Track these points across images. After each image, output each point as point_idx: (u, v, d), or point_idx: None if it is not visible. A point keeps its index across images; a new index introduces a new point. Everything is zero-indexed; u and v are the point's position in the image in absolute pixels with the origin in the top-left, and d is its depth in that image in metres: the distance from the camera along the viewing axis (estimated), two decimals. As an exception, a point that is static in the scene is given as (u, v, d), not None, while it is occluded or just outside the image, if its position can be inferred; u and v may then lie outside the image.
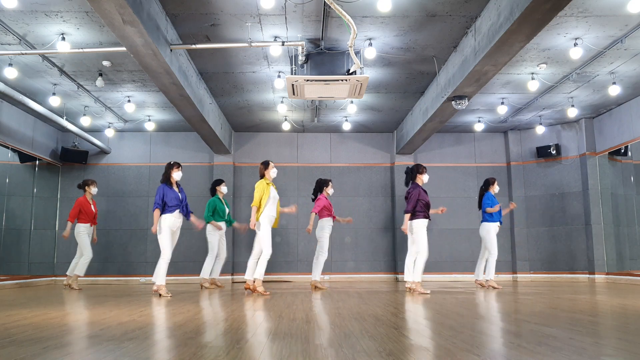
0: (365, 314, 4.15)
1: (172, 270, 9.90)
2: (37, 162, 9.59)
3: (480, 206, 7.80)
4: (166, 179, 6.43)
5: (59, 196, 10.15)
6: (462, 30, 6.10)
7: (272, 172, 6.58)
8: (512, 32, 4.93)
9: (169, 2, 5.40)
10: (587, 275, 9.64)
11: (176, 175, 6.44)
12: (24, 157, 9.24)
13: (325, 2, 5.05)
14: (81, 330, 3.36)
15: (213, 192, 8.37)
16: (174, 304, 5.25)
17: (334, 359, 2.37)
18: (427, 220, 6.53)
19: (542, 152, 10.13)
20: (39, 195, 9.77)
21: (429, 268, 10.35)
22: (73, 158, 9.96)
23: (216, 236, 8.07)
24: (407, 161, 10.43)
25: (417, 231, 6.50)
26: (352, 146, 10.68)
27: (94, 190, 8.12)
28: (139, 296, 6.39)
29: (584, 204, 9.77)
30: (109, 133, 9.87)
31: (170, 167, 6.49)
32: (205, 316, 4.21)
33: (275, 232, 10.05)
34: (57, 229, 10.03)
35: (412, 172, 6.77)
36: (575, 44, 6.24)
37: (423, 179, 6.71)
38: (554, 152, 9.97)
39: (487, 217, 7.64)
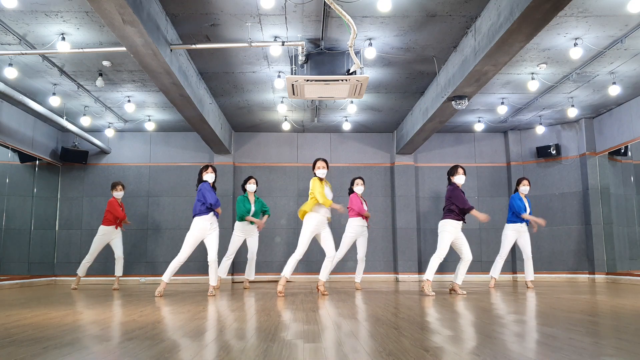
0: (365, 314, 4.15)
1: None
2: (37, 162, 9.58)
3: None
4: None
5: (59, 196, 10.15)
6: (462, 30, 6.10)
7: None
8: (512, 32, 4.93)
9: (169, 2, 5.40)
10: (587, 275, 9.64)
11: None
12: (24, 157, 9.24)
13: (325, 2, 5.05)
14: (81, 330, 3.36)
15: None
16: (174, 304, 5.25)
17: (334, 359, 2.37)
18: (455, 221, 6.38)
19: (542, 152, 10.13)
20: (39, 195, 9.77)
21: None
22: (73, 158, 9.96)
23: (240, 237, 7.81)
24: (407, 161, 10.44)
25: (441, 230, 6.45)
26: (352, 146, 10.68)
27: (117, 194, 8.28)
28: (138, 296, 6.39)
29: (584, 204, 9.77)
30: (109, 133, 9.87)
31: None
32: (205, 316, 4.21)
33: (275, 232, 10.06)
34: (57, 229, 10.04)
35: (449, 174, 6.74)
36: (575, 44, 6.24)
37: (456, 179, 6.60)
38: (554, 152, 9.96)
39: (511, 218, 7.71)
